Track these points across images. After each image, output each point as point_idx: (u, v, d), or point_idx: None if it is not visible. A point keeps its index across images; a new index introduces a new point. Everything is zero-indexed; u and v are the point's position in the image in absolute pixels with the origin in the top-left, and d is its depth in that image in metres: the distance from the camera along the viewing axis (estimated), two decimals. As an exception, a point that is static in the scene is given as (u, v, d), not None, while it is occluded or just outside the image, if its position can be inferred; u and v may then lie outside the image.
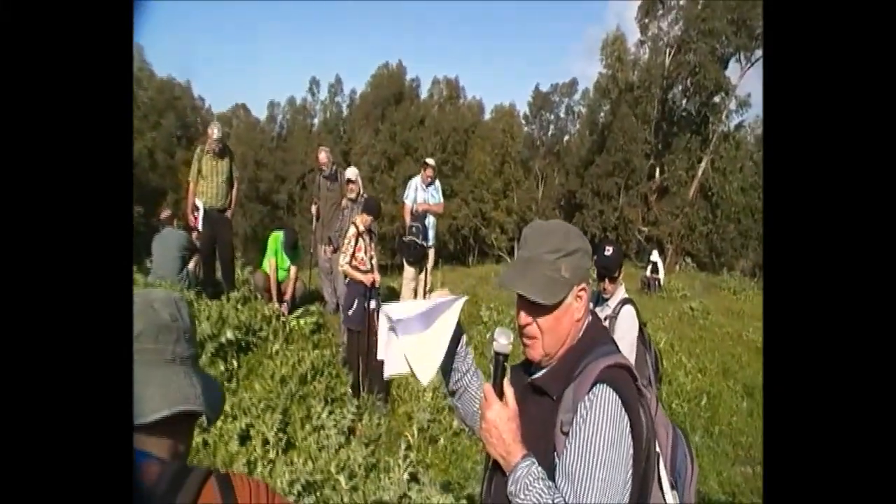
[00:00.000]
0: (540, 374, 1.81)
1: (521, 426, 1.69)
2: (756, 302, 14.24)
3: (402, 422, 5.99)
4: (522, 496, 1.56)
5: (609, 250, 4.33)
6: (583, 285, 1.78)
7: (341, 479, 4.65)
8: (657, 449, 1.74)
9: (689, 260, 26.67)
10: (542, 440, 1.67)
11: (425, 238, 8.94)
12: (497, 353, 1.76)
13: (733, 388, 8.08)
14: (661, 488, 1.74)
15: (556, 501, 1.53)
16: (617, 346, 1.82)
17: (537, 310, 1.75)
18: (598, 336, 1.82)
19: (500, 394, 1.72)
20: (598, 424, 1.56)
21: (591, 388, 1.61)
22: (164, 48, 78.66)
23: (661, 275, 16.61)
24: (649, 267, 16.82)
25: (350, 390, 6.32)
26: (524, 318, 1.79)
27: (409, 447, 5.32)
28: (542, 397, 1.76)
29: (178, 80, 48.12)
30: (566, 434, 1.61)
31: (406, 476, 4.73)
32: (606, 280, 4.29)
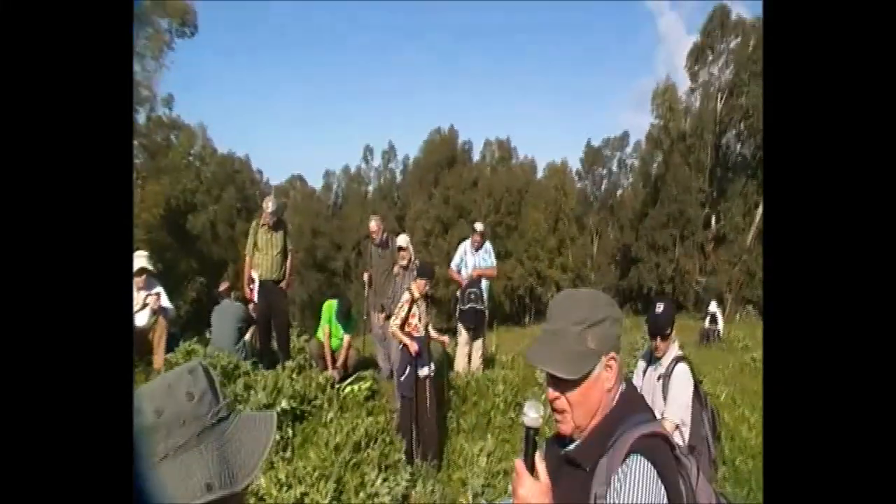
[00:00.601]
0: (573, 446, 1.76)
1: (556, 500, 1.64)
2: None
3: (457, 488, 5.94)
4: None
5: (660, 307, 4.27)
6: (612, 354, 1.73)
7: (395, 547, 4.62)
8: None
9: (750, 308, 25.94)
10: None
11: (481, 302, 9.00)
12: (527, 428, 1.71)
13: (801, 442, 7.72)
14: None
15: None
16: (653, 414, 1.78)
17: (565, 384, 1.71)
18: (632, 404, 1.76)
19: (532, 468, 1.66)
20: (633, 496, 1.51)
21: (625, 458, 1.57)
22: (223, 124, 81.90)
23: (721, 325, 16.26)
24: (708, 318, 16.50)
25: (404, 457, 6.30)
26: (552, 392, 1.75)
27: (463, 513, 5.28)
28: (576, 469, 1.71)
29: (238, 154, 50.01)
30: None
31: (460, 543, 4.68)
32: (658, 338, 4.22)
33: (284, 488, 5.34)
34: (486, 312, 9.18)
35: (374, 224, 9.19)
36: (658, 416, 4.05)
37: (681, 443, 4.13)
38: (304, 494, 5.26)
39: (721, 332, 16.06)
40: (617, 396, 1.75)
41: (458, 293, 9.32)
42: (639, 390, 4.38)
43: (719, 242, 34.94)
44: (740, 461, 6.98)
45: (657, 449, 1.59)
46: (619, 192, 50.80)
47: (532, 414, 1.70)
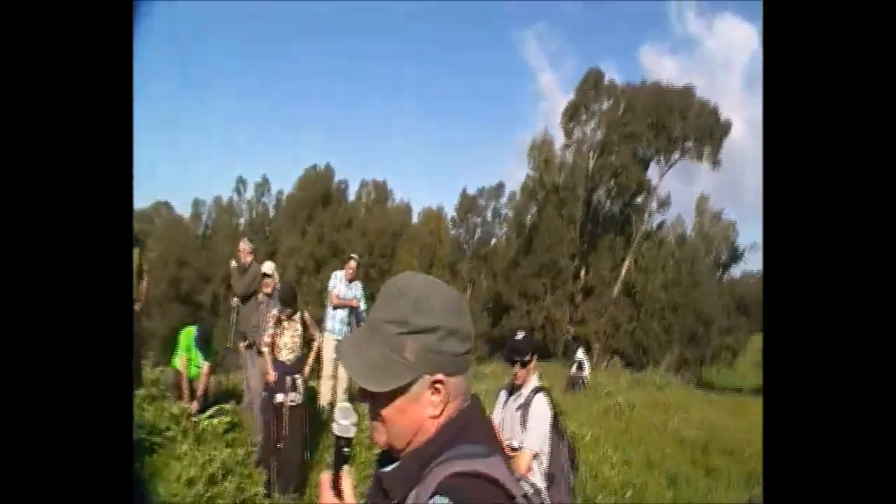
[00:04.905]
0: (388, 469, 1.38)
1: None
2: (679, 394, 14.76)
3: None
4: None
5: (520, 335, 4.37)
6: (439, 376, 1.31)
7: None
8: None
9: (616, 358, 26.99)
10: None
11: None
12: (337, 437, 1.40)
13: (658, 479, 8.09)
14: None
15: None
16: (490, 450, 1.33)
17: (372, 392, 1.33)
18: (461, 433, 1.34)
19: (338, 484, 1.35)
20: None
21: (431, 498, 1.21)
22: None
23: (587, 372, 16.74)
24: (575, 365, 16.93)
25: (263, 490, 6.03)
26: (360, 395, 1.39)
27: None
28: (386, 498, 1.34)
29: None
30: None
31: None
32: (518, 365, 4.25)
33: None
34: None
35: (242, 244, 8.94)
36: (517, 445, 4.04)
37: (539, 475, 4.12)
38: (149, 531, 4.91)
39: (587, 378, 16.47)
40: (444, 424, 1.35)
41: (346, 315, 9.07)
42: (493, 420, 4.33)
43: (588, 293, 36.29)
44: (602, 498, 7.18)
45: (473, 492, 1.21)
46: (493, 241, 51.94)
47: (342, 421, 1.40)
